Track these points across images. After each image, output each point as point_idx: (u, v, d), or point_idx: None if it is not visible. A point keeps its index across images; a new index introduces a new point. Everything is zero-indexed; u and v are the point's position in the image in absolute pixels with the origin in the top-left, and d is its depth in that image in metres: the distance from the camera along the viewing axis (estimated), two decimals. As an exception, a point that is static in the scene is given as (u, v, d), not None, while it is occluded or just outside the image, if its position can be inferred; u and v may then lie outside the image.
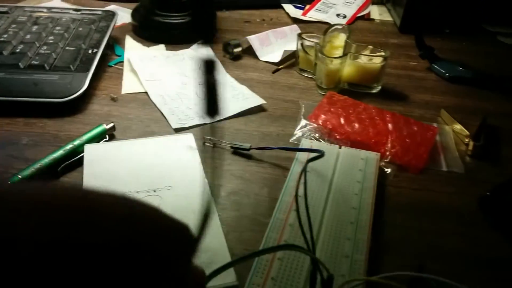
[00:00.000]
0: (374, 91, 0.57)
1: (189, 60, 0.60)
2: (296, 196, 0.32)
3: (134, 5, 0.70)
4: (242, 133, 0.49)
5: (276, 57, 0.62)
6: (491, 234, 0.38)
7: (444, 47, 0.68)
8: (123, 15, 0.70)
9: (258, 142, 0.47)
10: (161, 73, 0.57)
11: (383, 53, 0.55)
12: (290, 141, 0.47)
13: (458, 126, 0.49)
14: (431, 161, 0.45)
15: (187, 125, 0.48)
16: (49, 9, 0.64)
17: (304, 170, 0.34)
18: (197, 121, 0.49)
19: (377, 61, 0.55)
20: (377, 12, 0.80)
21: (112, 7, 0.74)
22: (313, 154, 0.39)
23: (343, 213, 0.37)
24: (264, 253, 0.30)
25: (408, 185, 0.43)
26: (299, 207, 0.31)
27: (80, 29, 0.60)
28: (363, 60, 0.55)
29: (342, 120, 0.49)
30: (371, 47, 0.57)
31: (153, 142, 0.43)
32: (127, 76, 0.57)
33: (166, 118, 0.49)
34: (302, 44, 0.59)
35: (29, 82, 0.50)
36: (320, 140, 0.47)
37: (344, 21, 0.76)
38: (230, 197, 0.40)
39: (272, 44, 0.63)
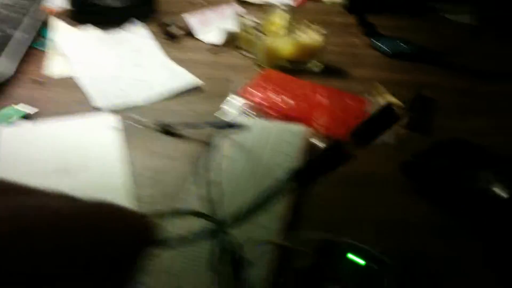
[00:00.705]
0: (316, 69, 0.56)
1: (123, 42, 0.58)
2: (207, 170, 0.31)
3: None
4: (177, 113, 0.47)
5: (216, 36, 0.60)
6: (415, 199, 0.37)
7: (390, 25, 0.68)
8: (59, -1, 0.68)
9: (192, 121, 0.45)
10: (92, 55, 0.55)
11: (322, 31, 0.54)
12: (221, 117, 0.46)
13: (393, 99, 0.49)
14: (363, 133, 0.44)
15: (114, 107, 0.46)
16: (-23, -7, 0.61)
17: (213, 143, 0.33)
18: (128, 102, 0.47)
19: (316, 38, 0.54)
20: (326, -7, 0.79)
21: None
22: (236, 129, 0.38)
23: (266, 185, 0.36)
24: (170, 215, 0.28)
25: (338, 157, 0.42)
26: (211, 181, 0.30)
27: (6, 12, 0.57)
28: (302, 37, 0.55)
29: (275, 96, 0.48)
30: (311, 25, 0.56)
31: (74, 123, 0.41)
32: (55, 59, 0.54)
33: (93, 100, 0.47)
34: (242, 23, 0.57)
35: None
36: (251, 115, 0.46)
37: (293, 3, 0.75)
38: (152, 175, 0.39)
39: (212, 24, 0.62)
